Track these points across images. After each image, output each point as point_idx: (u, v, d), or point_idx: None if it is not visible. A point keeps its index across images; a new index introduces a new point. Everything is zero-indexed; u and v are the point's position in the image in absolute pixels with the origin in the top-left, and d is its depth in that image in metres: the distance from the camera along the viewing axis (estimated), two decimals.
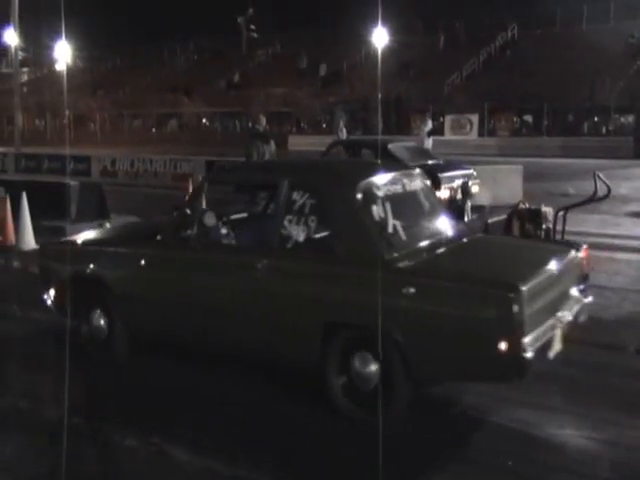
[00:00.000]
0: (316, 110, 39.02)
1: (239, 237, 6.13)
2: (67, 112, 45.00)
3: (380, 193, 5.52)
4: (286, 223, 5.51)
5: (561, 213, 9.02)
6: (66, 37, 46.11)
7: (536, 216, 9.19)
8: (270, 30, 52.91)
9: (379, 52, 41.30)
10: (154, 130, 44.98)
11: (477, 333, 4.74)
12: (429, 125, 23.64)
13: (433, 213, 6.02)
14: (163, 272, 5.99)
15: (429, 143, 22.34)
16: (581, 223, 10.58)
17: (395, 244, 5.33)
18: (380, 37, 40.39)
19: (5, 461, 4.88)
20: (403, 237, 5.45)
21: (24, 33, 41.20)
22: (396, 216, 5.55)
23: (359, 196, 5.38)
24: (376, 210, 5.41)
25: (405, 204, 5.83)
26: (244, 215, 6.53)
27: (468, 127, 33.53)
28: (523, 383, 4.98)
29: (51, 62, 56.88)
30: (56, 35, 46.36)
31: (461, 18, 43.68)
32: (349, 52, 45.29)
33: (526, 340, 4.66)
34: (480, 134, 33.54)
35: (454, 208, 11.50)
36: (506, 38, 41.68)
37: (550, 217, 9.16)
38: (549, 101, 32.68)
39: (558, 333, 5.18)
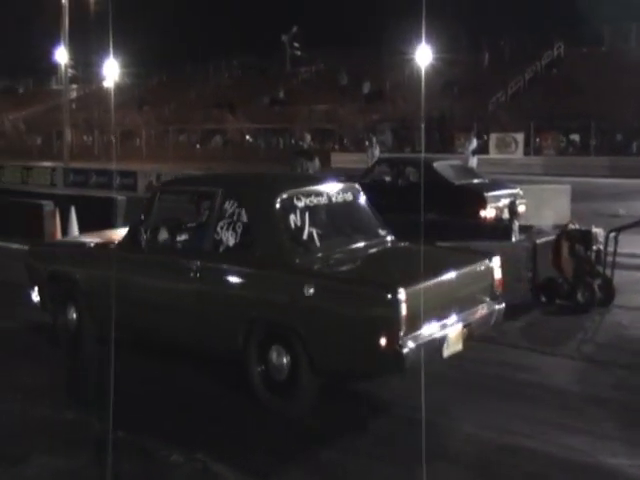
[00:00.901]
0: (359, 127, 38.99)
1: (183, 242, 6.73)
2: (114, 128, 45.62)
3: (300, 204, 6.16)
4: (219, 229, 6.16)
5: (613, 234, 8.84)
6: (114, 54, 46.94)
7: (586, 237, 9.02)
8: (313, 48, 53.18)
9: (422, 70, 41.20)
10: (198, 146, 45.35)
11: (363, 330, 5.30)
12: (474, 143, 23.45)
13: (358, 222, 6.70)
14: (119, 272, 6.42)
15: (474, 162, 22.14)
16: (633, 244, 10.34)
17: (307, 249, 5.99)
18: (424, 55, 40.29)
19: (53, 475, 4.92)
20: (317, 243, 6.09)
21: (73, 51, 42.07)
22: (315, 224, 6.23)
23: (277, 206, 6.04)
24: (293, 219, 6.07)
25: (328, 214, 6.53)
26: (192, 223, 7.06)
27: (513, 146, 33.18)
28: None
29: (99, 79, 57.88)
30: (104, 53, 47.21)
31: (506, 36, 43.42)
32: (392, 70, 45.27)
33: (404, 337, 5.18)
34: (526, 153, 33.15)
35: (500, 228, 11.36)
36: (552, 56, 41.24)
37: (601, 238, 8.98)
38: (596, 120, 32.20)
39: (454, 334, 5.71)
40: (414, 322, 5.27)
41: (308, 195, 6.28)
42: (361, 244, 6.43)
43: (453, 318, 5.80)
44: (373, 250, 6.41)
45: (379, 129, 37.56)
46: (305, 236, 6.08)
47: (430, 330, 5.52)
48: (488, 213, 12.98)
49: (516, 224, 9.81)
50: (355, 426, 5.60)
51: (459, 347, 5.85)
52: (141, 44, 54.06)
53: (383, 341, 5.16)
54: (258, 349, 5.82)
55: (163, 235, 6.77)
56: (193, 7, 69.25)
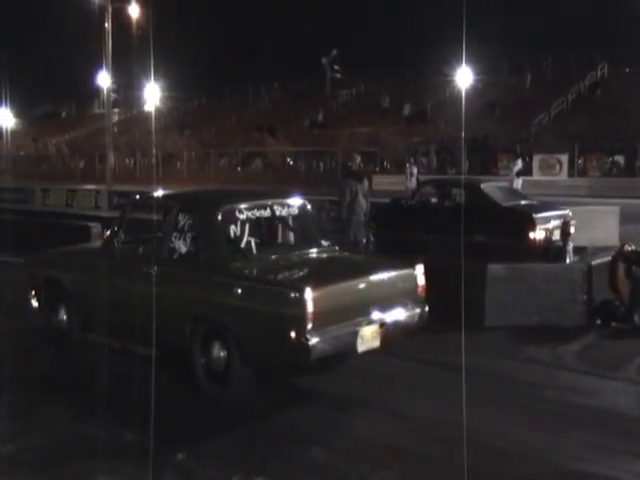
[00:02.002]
0: (400, 149, 38.89)
1: (146, 250, 7.50)
2: (155, 151, 46.15)
3: (242, 216, 7.10)
4: (173, 239, 7.06)
5: None
6: (155, 78, 47.65)
7: None
8: (353, 70, 53.35)
9: (463, 91, 41.05)
10: (239, 169, 45.62)
11: (278, 325, 6.05)
12: (518, 165, 23.22)
13: (301, 234, 7.66)
14: (94, 277, 7.57)
15: (518, 183, 21.93)
16: None
17: (244, 256, 6.98)
18: (465, 76, 40.18)
19: None
20: (254, 251, 7.24)
21: (115, 75, 42.75)
22: (254, 235, 7.38)
23: (219, 218, 6.89)
24: (233, 229, 7.12)
25: (270, 226, 7.69)
26: (156, 234, 7.71)
27: (557, 167, 32.75)
28: None
29: (140, 103, 58.70)
30: (145, 77, 47.93)
31: (548, 57, 43.08)
32: (433, 91, 45.19)
33: (312, 332, 5.87)
34: (570, 174, 32.71)
35: (552, 249, 11.17)
36: (596, 77, 40.82)
37: None
38: None
39: (368, 332, 6.42)
40: (322, 319, 5.96)
41: (251, 209, 7.16)
42: (297, 252, 7.37)
43: (368, 317, 6.47)
44: (305, 258, 7.25)
45: (421, 151, 37.42)
46: (243, 245, 7.19)
47: (340, 327, 6.22)
48: (537, 235, 12.78)
49: (570, 245, 9.66)
50: None
51: (376, 344, 6.57)
52: (182, 68, 54.82)
53: (293, 335, 5.91)
54: (201, 344, 6.58)
55: (131, 244, 7.75)
56: (234, 31, 70.17)
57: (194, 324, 6.62)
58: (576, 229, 13.21)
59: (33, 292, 8.54)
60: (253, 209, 7.18)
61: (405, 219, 14.75)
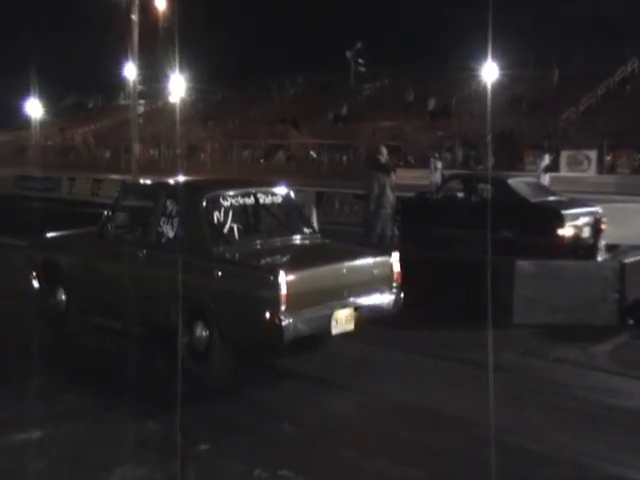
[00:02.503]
0: (424, 144, 38.62)
1: (136, 234, 7.87)
2: (179, 142, 46.21)
3: (226, 203, 7.42)
4: (162, 224, 7.44)
5: None
6: (180, 70, 47.66)
7: None
8: (378, 64, 53.07)
9: (489, 86, 40.64)
10: (262, 161, 45.56)
11: (253, 306, 6.38)
12: (546, 161, 22.94)
13: (284, 221, 7.95)
14: (89, 259, 8.15)
15: (546, 179, 21.65)
16: None
17: (226, 241, 7.24)
18: (490, 71, 39.77)
19: None
20: (236, 236, 7.46)
21: (141, 67, 42.81)
22: (237, 221, 7.58)
23: (204, 205, 7.25)
24: (217, 216, 7.36)
25: (254, 213, 7.91)
26: (146, 218, 7.96)
27: (585, 164, 32.29)
28: None
29: (165, 94, 58.79)
30: (170, 68, 47.98)
31: (577, 51, 42.54)
32: (458, 86, 44.80)
33: (285, 313, 6.20)
34: (598, 171, 32.24)
35: (582, 247, 10.98)
36: (626, 72, 40.22)
37: None
38: None
39: (343, 315, 6.74)
40: (296, 301, 6.29)
41: (234, 197, 7.52)
42: (278, 239, 7.63)
43: (342, 301, 6.80)
44: (286, 244, 7.56)
45: (445, 146, 37.12)
46: (226, 230, 7.43)
47: (314, 310, 6.56)
48: (566, 232, 12.56)
49: (602, 243, 9.48)
50: None
51: (350, 327, 6.87)
52: (207, 60, 54.80)
53: (267, 316, 6.25)
54: (185, 324, 6.86)
55: (123, 228, 8.12)
56: (258, 23, 70.08)
57: (178, 305, 6.85)
58: (606, 227, 13.05)
59: (34, 274, 8.88)
60: (237, 197, 7.56)
61: (430, 213, 14.59)
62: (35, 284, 8.86)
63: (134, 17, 37.87)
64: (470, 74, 43.75)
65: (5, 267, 11.74)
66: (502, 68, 42.21)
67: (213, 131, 52.11)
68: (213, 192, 7.56)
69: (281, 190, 8.01)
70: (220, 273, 6.75)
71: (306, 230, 7.89)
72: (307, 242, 7.74)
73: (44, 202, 18.00)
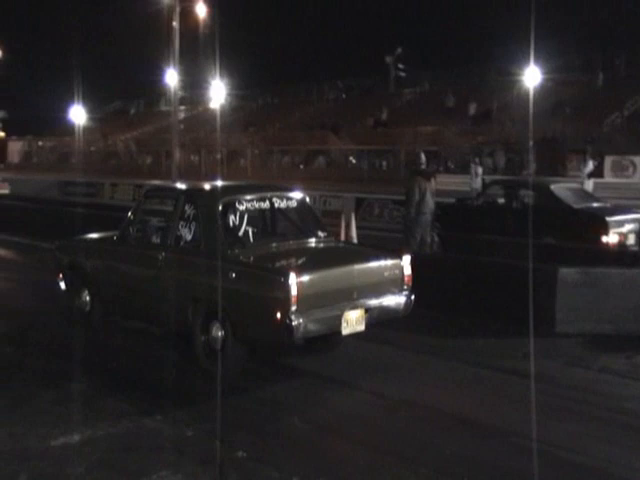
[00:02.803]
0: (464, 149, 38.31)
1: (157, 236, 8.13)
2: (220, 148, 46.49)
3: (241, 207, 7.74)
4: (180, 227, 7.72)
5: None
6: (220, 76, 48.02)
7: None
8: (418, 69, 52.89)
9: (531, 90, 40.16)
10: (302, 167, 45.63)
11: (266, 306, 6.60)
12: (589, 166, 22.54)
13: (298, 225, 8.18)
14: (113, 262, 8.42)
15: (589, 185, 21.28)
16: None
17: (241, 244, 7.54)
18: (532, 75, 39.32)
19: None
20: (250, 239, 7.88)
21: (182, 73, 43.22)
22: (252, 225, 8.00)
23: (220, 208, 7.50)
24: (232, 219, 7.75)
25: (269, 217, 8.22)
26: (166, 221, 8.26)
27: (630, 169, 31.69)
28: None
29: (206, 100, 59.23)
30: (211, 75, 48.36)
31: (621, 54, 41.80)
32: (499, 91, 44.37)
33: (296, 313, 6.42)
34: None
35: (628, 254, 10.75)
36: None
37: None
38: None
39: (353, 316, 6.92)
40: (306, 302, 6.51)
41: (250, 201, 7.76)
42: (292, 242, 7.84)
43: (352, 302, 6.96)
44: (298, 247, 7.74)
45: (486, 151, 36.75)
46: (241, 233, 7.82)
47: (325, 310, 6.76)
48: (611, 239, 12.34)
49: None
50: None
51: (361, 328, 7.06)
52: (246, 66, 55.21)
53: (278, 315, 6.46)
54: (202, 323, 7.15)
55: (144, 231, 8.36)
56: (297, 29, 70.32)
57: (195, 305, 7.23)
58: None
59: (60, 275, 9.24)
60: (252, 201, 7.80)
61: (471, 220, 14.47)
62: (62, 285, 9.19)
63: (175, 24, 38.29)
64: (512, 79, 43.30)
65: (43, 271, 11.89)
66: (545, 72, 41.73)
67: (253, 137, 52.35)
68: (229, 197, 7.84)
69: (296, 194, 8.21)
70: (234, 275, 6.93)
71: (320, 233, 8.04)
72: (320, 245, 7.91)
73: (86, 207, 18.18)
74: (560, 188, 14.26)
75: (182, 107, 56.24)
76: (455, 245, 13.15)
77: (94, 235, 9.42)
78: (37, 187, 33.74)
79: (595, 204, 14.05)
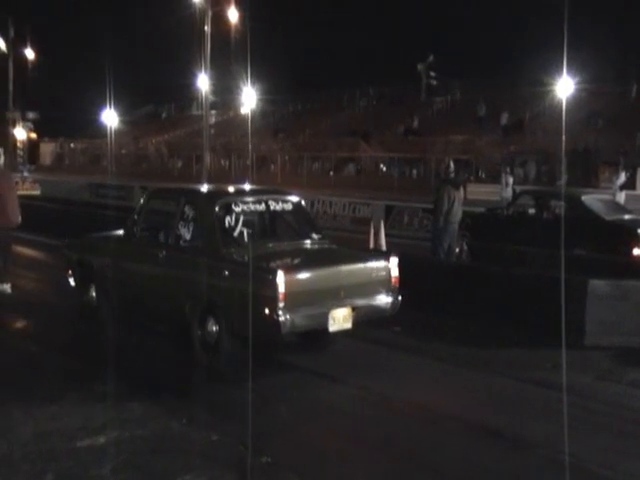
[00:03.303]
0: (496, 159, 38.08)
1: (159, 236, 8.51)
2: (250, 153, 46.66)
3: (237, 209, 8.06)
4: (180, 227, 8.10)
5: None
6: (251, 82, 48.23)
7: None
8: (450, 77, 52.67)
9: (564, 101, 39.83)
10: (332, 173, 45.65)
11: (256, 303, 6.80)
12: (622, 178, 22.31)
13: (293, 227, 8.56)
14: (117, 259, 8.83)
15: (621, 197, 21.05)
16: None
17: (236, 244, 7.82)
18: (565, 86, 39.01)
19: None
20: (245, 239, 8.04)
21: (213, 78, 43.50)
22: (248, 226, 8.19)
23: (217, 210, 7.91)
24: (228, 220, 7.97)
25: (265, 219, 8.54)
26: (168, 221, 8.59)
27: None
28: None
29: (237, 105, 59.53)
30: (242, 80, 48.59)
31: None
32: (532, 101, 44.07)
33: (283, 310, 6.81)
34: None
35: None
36: None
37: None
38: None
39: (340, 314, 7.27)
40: (293, 299, 6.87)
41: (246, 203, 8.18)
42: (285, 243, 8.26)
43: (340, 301, 7.32)
44: (291, 248, 8.10)
45: (518, 161, 36.47)
46: (236, 234, 8.02)
47: (312, 308, 7.14)
48: None
49: None
50: None
51: (348, 325, 7.41)
52: (277, 72, 55.35)
53: (267, 311, 6.84)
54: (198, 318, 7.54)
55: (147, 231, 8.75)
56: (329, 36, 70.42)
57: (192, 301, 7.63)
58: None
59: (70, 272, 9.72)
60: (248, 203, 8.23)
61: (500, 229, 14.35)
62: (71, 282, 9.67)
63: (207, 29, 38.57)
64: (545, 89, 42.98)
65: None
66: (578, 83, 41.38)
67: (283, 143, 52.49)
68: (225, 199, 8.24)
69: (292, 198, 8.63)
70: (227, 273, 7.36)
71: (314, 235, 8.40)
72: (313, 246, 8.26)
73: (115, 210, 18.32)
74: (591, 199, 14.13)
75: (213, 111, 56.62)
76: (484, 255, 13.06)
77: (102, 234, 9.89)
78: (68, 189, 34.07)
79: (627, 216, 13.89)
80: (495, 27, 62.97)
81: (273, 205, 8.35)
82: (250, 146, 44.72)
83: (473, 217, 14.65)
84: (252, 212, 8.29)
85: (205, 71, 42.13)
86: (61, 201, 23.46)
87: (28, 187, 31.43)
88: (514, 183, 27.67)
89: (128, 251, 8.74)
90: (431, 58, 54.85)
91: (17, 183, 30.40)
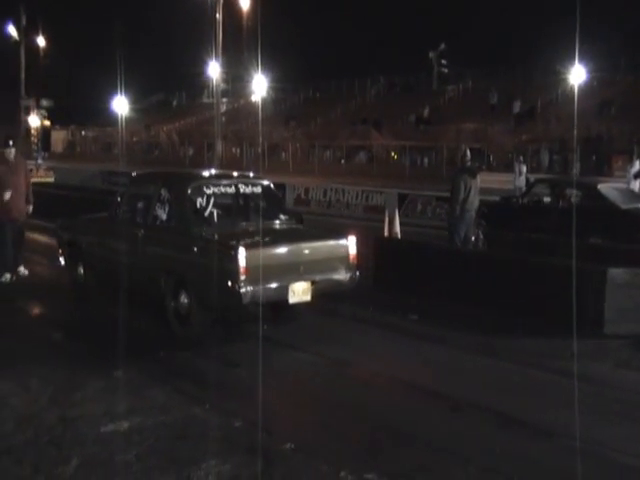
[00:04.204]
0: (508, 147, 37.96)
1: (138, 216, 9.19)
2: (262, 141, 46.67)
3: (208, 191, 8.68)
4: (157, 208, 8.79)
5: None
6: (262, 70, 48.17)
7: None
8: (461, 65, 52.47)
9: (576, 89, 39.63)
10: (343, 162, 45.61)
11: (220, 276, 7.60)
12: (636, 166, 22.14)
13: (262, 209, 8.99)
14: (101, 239, 9.76)
15: (636, 185, 20.93)
16: None
17: (206, 223, 8.48)
18: (578, 74, 38.78)
19: None
20: (215, 220, 8.70)
21: (224, 65, 43.46)
22: (219, 207, 8.83)
23: (189, 192, 8.61)
24: (199, 202, 8.58)
25: (235, 201, 9.19)
26: (147, 203, 9.17)
27: None
28: None
29: (248, 93, 59.50)
30: (253, 68, 48.54)
31: None
32: (544, 89, 43.89)
33: (244, 282, 7.51)
34: None
35: None
36: None
37: None
38: None
39: (300, 287, 7.99)
40: (254, 273, 7.50)
41: (217, 186, 8.82)
42: (252, 223, 8.77)
43: (300, 275, 8.00)
44: (257, 227, 8.51)
45: (531, 150, 36.32)
46: (207, 214, 8.62)
47: (273, 281, 7.83)
48: None
49: None
50: None
51: (307, 298, 8.12)
52: (289, 60, 55.28)
53: (229, 284, 7.55)
54: (172, 291, 8.25)
55: (129, 212, 9.41)
56: (340, 24, 70.20)
57: (167, 276, 8.33)
58: None
59: (61, 252, 10.56)
60: (219, 186, 8.87)
61: (516, 218, 14.31)
62: (62, 260, 10.52)
63: (218, 16, 38.49)
64: (557, 77, 42.78)
65: None
66: (591, 71, 41.16)
67: (295, 131, 52.46)
68: (197, 182, 8.90)
69: (262, 182, 9.37)
70: (196, 249, 8.14)
71: (282, 216, 9.13)
72: (278, 226, 8.96)
73: None
74: (607, 188, 14.06)
75: (224, 99, 56.60)
76: (500, 243, 13.03)
77: (89, 216, 10.73)
78: (81, 176, 34.18)
79: None
80: (507, 15, 62.62)
81: (243, 188, 9.04)
82: (261, 134, 44.72)
83: (489, 205, 14.60)
84: (223, 195, 8.96)
85: (216, 59, 42.08)
86: (75, 188, 23.53)
87: (42, 174, 31.60)
88: (527, 172, 27.55)
89: (111, 231, 9.49)
90: (443, 46, 54.63)
91: (31, 170, 30.61)
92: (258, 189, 9.17)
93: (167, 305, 8.36)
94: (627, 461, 5.28)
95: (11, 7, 50.14)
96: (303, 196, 23.94)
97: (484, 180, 33.60)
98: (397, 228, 13.71)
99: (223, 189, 8.91)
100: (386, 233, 13.40)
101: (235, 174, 10.18)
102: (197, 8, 40.46)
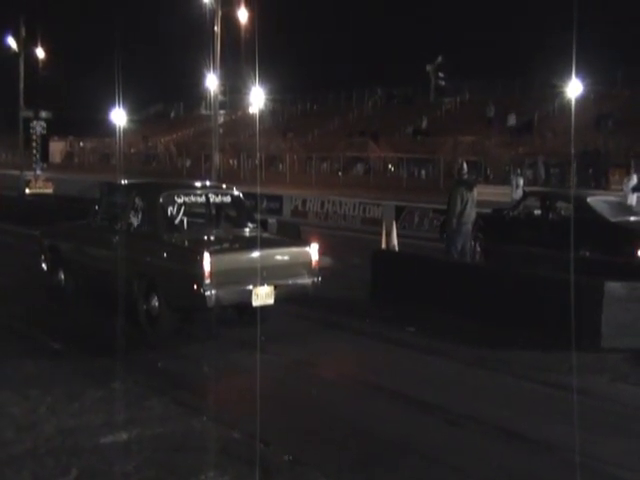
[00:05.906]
0: (505, 160, 38.03)
1: (114, 223, 9.57)
2: (259, 153, 46.68)
3: (179, 200, 9.25)
4: (131, 215, 9.35)
5: None
6: (259, 82, 48.25)
7: None
8: (459, 78, 52.60)
9: (573, 103, 39.74)
10: (340, 174, 45.65)
11: (186, 279, 8.15)
12: (634, 180, 22.26)
13: (231, 217, 9.72)
14: (79, 243, 10.21)
15: (633, 199, 21.03)
16: None
17: (177, 230, 9.19)
18: (575, 87, 38.92)
19: None
20: (185, 227, 9.48)
21: (222, 77, 43.54)
22: (189, 215, 9.63)
23: (160, 201, 9.08)
24: (170, 210, 9.24)
25: (205, 210, 9.80)
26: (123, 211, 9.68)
27: None
28: None
29: (245, 105, 59.59)
30: (251, 80, 48.63)
31: None
32: (541, 102, 44.01)
33: (209, 285, 7.94)
34: None
35: None
36: None
37: None
38: None
39: (263, 291, 8.37)
40: (218, 277, 7.98)
41: (187, 195, 9.36)
42: (220, 230, 9.40)
43: (263, 280, 8.32)
44: (224, 234, 9.25)
45: (527, 163, 36.39)
46: (177, 222, 9.32)
47: (236, 284, 8.29)
48: None
49: None
50: None
51: (270, 301, 8.51)
52: (287, 72, 55.43)
53: (195, 287, 7.99)
54: (144, 294, 8.68)
55: (106, 220, 9.86)
56: (337, 36, 70.49)
57: (139, 280, 8.77)
58: None
59: (42, 257, 10.89)
60: (190, 195, 9.43)
61: (507, 230, 14.30)
62: (43, 266, 10.86)
63: (216, 29, 38.59)
64: (554, 91, 42.92)
65: None
66: (588, 85, 41.29)
67: (292, 143, 52.51)
68: (169, 191, 9.36)
69: (231, 192, 9.78)
70: (166, 254, 8.68)
71: (250, 224, 9.56)
72: (244, 234, 9.40)
73: None
74: (597, 200, 14.08)
75: (222, 111, 56.55)
76: (496, 256, 13.05)
77: (69, 223, 11.31)
78: (79, 187, 34.16)
79: (632, 218, 13.85)
80: (504, 28, 62.95)
81: (213, 198, 9.54)
82: (258, 146, 44.73)
83: (484, 218, 14.64)
84: (193, 204, 9.62)
85: (214, 71, 42.15)
86: (74, 199, 23.54)
87: (41, 185, 31.58)
88: (524, 184, 27.65)
89: (89, 237, 10.02)
90: (440, 59, 54.79)
91: (30, 181, 30.50)
92: (228, 198, 9.68)
93: (138, 307, 8.78)
94: (624, 475, 5.29)
95: (10, 19, 50.17)
96: (300, 208, 23.99)
97: (481, 193, 33.67)
98: (394, 240, 13.73)
99: (194, 198, 9.54)
100: (383, 245, 13.43)
101: (207, 184, 10.89)
102: (195, 20, 40.57)
